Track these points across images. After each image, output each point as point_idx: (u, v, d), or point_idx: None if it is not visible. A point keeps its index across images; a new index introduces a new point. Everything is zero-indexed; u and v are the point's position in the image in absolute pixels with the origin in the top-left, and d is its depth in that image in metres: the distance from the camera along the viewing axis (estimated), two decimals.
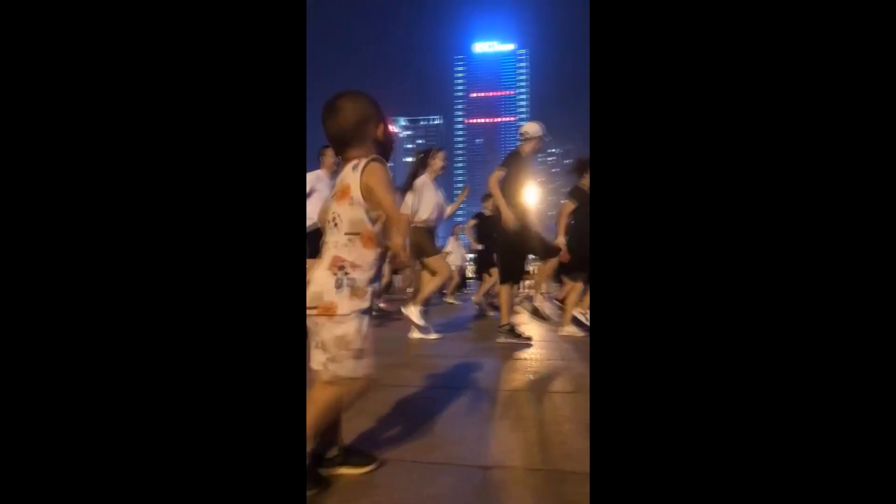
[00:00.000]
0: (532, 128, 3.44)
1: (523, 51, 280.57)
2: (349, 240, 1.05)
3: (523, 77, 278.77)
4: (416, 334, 3.37)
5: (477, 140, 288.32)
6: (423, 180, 3.54)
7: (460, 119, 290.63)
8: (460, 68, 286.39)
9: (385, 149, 1.14)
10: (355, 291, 1.03)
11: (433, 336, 3.36)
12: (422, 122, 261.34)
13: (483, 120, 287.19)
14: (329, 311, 1.01)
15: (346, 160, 1.12)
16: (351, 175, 1.07)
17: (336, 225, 1.07)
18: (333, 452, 1.12)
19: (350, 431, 1.36)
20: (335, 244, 1.06)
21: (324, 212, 1.13)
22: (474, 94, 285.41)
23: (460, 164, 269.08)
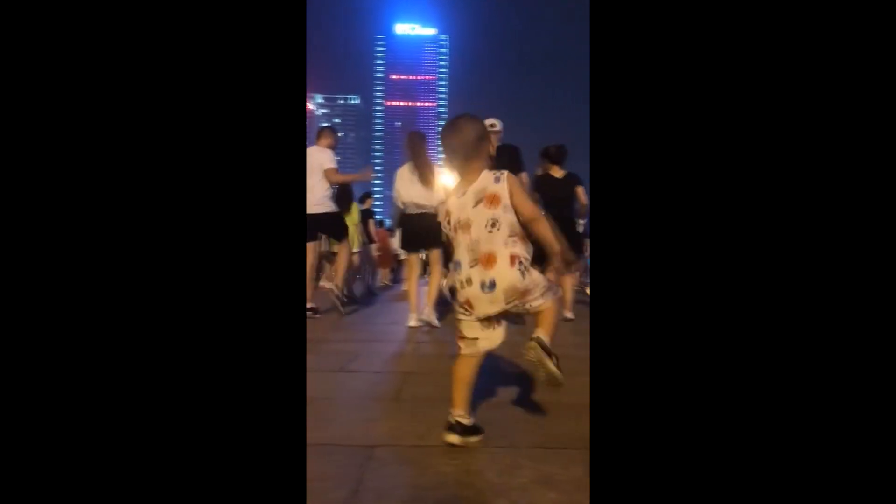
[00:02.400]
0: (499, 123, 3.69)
1: (444, 36, 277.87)
2: (513, 240, 1.22)
3: (444, 63, 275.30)
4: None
5: (396, 123, 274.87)
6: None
7: (379, 100, 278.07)
8: (381, 48, 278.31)
9: (491, 162, 1.32)
10: (532, 273, 1.23)
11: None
12: (340, 101, 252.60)
13: (402, 103, 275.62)
14: (526, 297, 1.23)
15: (468, 171, 1.28)
16: (496, 186, 1.23)
17: (498, 228, 1.21)
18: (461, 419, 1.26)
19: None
20: (504, 243, 1.21)
21: (464, 214, 1.25)
22: (394, 77, 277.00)
23: (379, 147, 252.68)
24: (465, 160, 1.28)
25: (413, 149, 3.35)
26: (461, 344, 1.29)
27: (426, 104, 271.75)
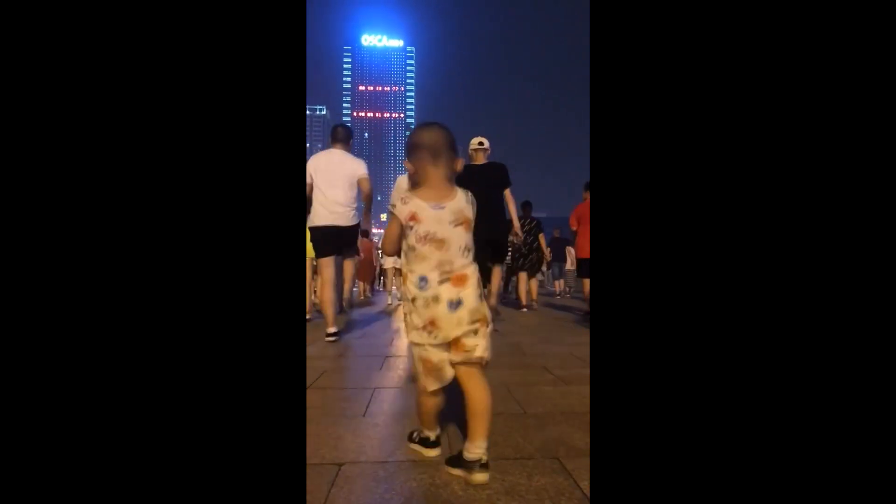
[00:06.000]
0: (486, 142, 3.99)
1: (412, 48, 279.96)
2: (471, 261, 1.21)
3: (411, 74, 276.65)
4: None
5: (364, 134, 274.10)
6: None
7: (347, 112, 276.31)
8: (347, 59, 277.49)
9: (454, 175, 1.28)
10: (485, 302, 1.21)
11: None
12: (306, 112, 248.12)
13: (370, 114, 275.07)
14: (485, 322, 1.19)
15: (437, 179, 1.22)
16: (468, 208, 1.22)
17: (469, 252, 1.21)
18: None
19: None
20: (474, 268, 1.20)
21: (441, 237, 1.18)
22: (362, 88, 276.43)
23: None
24: (437, 167, 1.21)
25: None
26: (429, 379, 1.19)
27: (394, 115, 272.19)
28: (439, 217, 1.17)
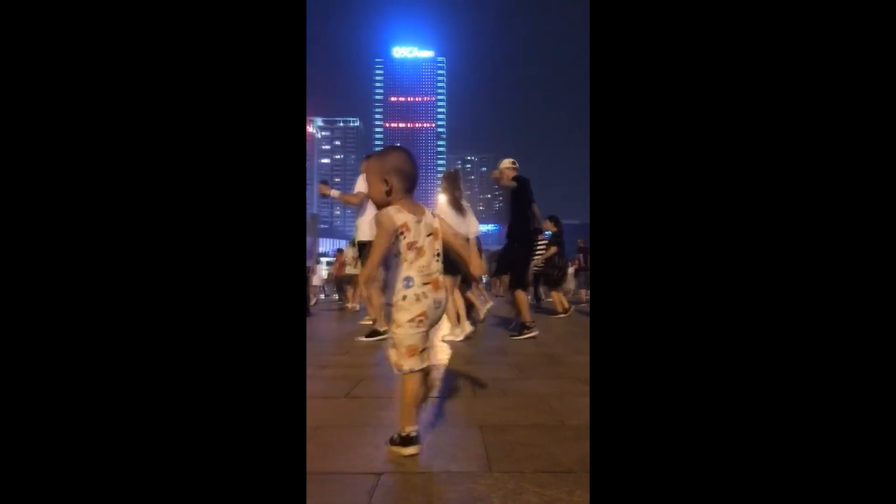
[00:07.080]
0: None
1: (442, 58, 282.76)
2: (441, 268, 1.43)
3: (442, 84, 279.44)
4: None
5: (396, 143, 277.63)
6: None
7: (379, 122, 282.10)
8: (379, 71, 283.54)
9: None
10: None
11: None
12: (340, 124, 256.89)
13: (402, 124, 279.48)
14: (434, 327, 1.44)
15: (407, 197, 1.47)
16: (436, 222, 1.47)
17: (440, 260, 1.45)
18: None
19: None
20: (443, 277, 1.44)
21: (413, 242, 1.41)
22: (393, 98, 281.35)
23: None
24: (406, 188, 1.46)
25: (453, 184, 4.07)
26: (411, 361, 1.38)
27: (425, 125, 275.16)
28: (419, 230, 1.43)
